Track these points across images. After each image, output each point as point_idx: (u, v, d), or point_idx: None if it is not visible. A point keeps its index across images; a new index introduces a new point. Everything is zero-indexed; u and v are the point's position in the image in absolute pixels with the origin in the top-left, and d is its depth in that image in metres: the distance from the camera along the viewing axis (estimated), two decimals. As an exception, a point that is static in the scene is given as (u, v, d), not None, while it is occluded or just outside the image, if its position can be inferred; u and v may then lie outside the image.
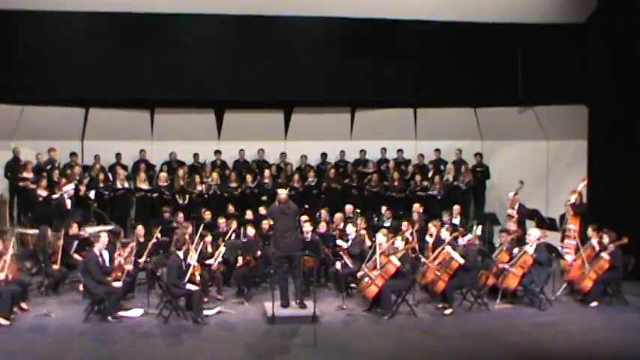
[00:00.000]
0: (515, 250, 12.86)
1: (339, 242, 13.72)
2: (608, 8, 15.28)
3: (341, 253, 13.38)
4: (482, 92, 17.98)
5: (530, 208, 15.40)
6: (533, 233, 12.88)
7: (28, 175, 16.83)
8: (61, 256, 13.39)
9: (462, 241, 12.92)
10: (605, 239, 12.97)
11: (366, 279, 12.26)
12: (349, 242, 13.49)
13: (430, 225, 14.06)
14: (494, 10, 16.66)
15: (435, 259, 12.86)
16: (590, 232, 13.30)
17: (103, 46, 17.01)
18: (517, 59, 17.60)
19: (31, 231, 15.13)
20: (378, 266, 12.23)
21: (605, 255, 12.84)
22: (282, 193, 12.36)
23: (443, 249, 12.80)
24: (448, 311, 12.36)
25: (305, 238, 12.95)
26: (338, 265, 13.31)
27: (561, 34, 16.78)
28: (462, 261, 12.39)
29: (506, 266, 12.64)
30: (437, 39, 17.49)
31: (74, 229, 14.09)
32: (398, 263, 12.14)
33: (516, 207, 14.65)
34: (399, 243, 12.51)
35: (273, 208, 12.47)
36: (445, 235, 13.09)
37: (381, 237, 12.58)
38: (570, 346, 10.66)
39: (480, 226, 14.58)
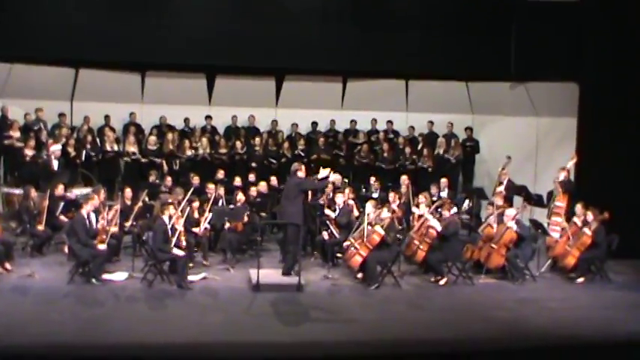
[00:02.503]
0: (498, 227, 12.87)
1: (327, 212, 13.69)
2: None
3: (328, 222, 13.37)
4: (475, 66, 17.95)
5: (519, 184, 15.40)
6: (509, 213, 12.87)
7: (15, 134, 16.67)
8: (47, 217, 13.31)
9: (447, 214, 12.89)
10: (589, 216, 13.01)
11: (352, 249, 12.28)
12: (337, 212, 13.47)
13: (420, 196, 14.00)
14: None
15: (417, 229, 12.87)
16: (578, 209, 13.31)
17: (96, 7, 16.95)
18: (511, 35, 17.53)
19: (17, 190, 15.03)
20: (365, 236, 12.24)
21: (587, 231, 12.88)
22: (294, 164, 12.82)
23: (423, 219, 12.82)
24: (442, 281, 12.42)
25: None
26: (325, 234, 13.30)
27: (556, 11, 16.70)
28: (438, 227, 12.42)
29: (494, 246, 12.63)
30: (432, 11, 17.47)
31: (60, 191, 14.01)
32: (383, 233, 12.13)
33: (505, 182, 14.62)
34: (386, 214, 12.51)
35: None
36: (423, 209, 13.16)
37: (369, 207, 12.58)
38: (553, 322, 10.67)
39: (468, 200, 14.60)
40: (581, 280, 12.81)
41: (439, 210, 12.98)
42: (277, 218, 13.00)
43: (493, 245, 12.61)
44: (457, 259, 12.69)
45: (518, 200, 15.27)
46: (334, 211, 13.56)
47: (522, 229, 12.75)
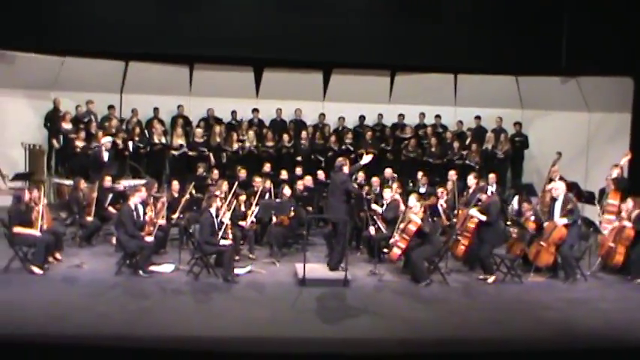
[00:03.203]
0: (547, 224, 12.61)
1: (373, 206, 13.59)
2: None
3: (375, 217, 13.27)
4: (525, 60, 17.67)
5: (569, 181, 15.13)
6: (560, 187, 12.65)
7: (67, 125, 16.95)
8: (95, 208, 13.48)
9: (483, 197, 12.64)
10: (630, 204, 12.74)
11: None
12: (384, 207, 13.37)
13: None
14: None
15: (460, 224, 12.70)
16: (627, 205, 12.99)
17: (146, 1, 17.00)
18: (562, 27, 17.22)
19: (67, 182, 15.26)
20: (402, 228, 12.13)
21: (627, 223, 12.61)
22: (338, 159, 12.60)
23: (465, 213, 12.65)
24: (491, 279, 12.21)
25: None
26: (371, 229, 13.21)
27: (609, 3, 16.34)
28: (482, 217, 12.25)
29: (543, 243, 12.40)
30: (481, 4, 17.23)
31: (108, 182, 14.13)
32: (419, 222, 12.00)
33: (557, 179, 14.36)
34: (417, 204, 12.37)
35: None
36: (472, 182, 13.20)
37: (412, 200, 12.43)
38: (604, 323, 10.39)
39: (517, 196, 14.37)
40: (638, 281, 12.48)
41: (479, 202, 12.70)
42: (324, 212, 12.95)
43: (542, 243, 12.38)
44: (497, 242, 12.51)
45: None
46: (381, 206, 13.46)
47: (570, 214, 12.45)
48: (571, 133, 18.27)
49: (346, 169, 12.35)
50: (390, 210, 13.15)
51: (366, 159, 12.58)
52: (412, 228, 12.02)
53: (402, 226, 12.18)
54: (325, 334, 9.64)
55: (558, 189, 12.60)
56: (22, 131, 16.92)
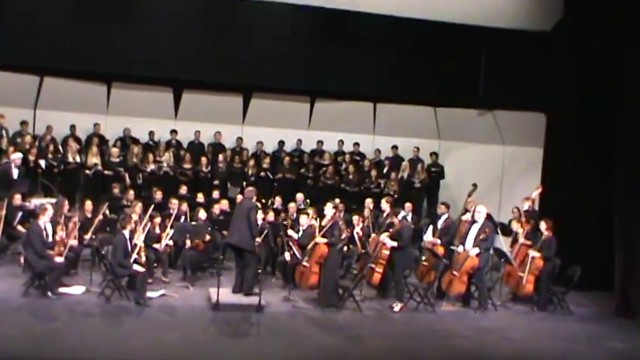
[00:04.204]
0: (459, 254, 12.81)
1: (290, 232, 13.55)
2: (574, 18, 15.37)
3: (291, 243, 13.23)
4: (443, 92, 17.98)
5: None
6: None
7: (-24, 141, 16.42)
8: (3, 227, 13.02)
9: (396, 221, 12.76)
10: (543, 226, 13.08)
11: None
12: (300, 233, 13.35)
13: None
14: (460, 11, 16.72)
15: (373, 250, 12.77)
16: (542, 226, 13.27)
17: (63, 14, 16.68)
18: (480, 62, 17.60)
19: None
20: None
21: (534, 253, 12.90)
22: (248, 188, 12.86)
23: (377, 240, 12.75)
24: (397, 307, 12.29)
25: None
26: (287, 255, 13.16)
27: (526, 40, 16.83)
28: (391, 243, 12.36)
29: (455, 273, 12.58)
30: (402, 35, 17.42)
31: (18, 200, 13.73)
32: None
33: (472, 209, 14.57)
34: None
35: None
36: (385, 206, 13.23)
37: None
38: (513, 352, 10.65)
39: (432, 226, 14.54)
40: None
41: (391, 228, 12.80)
42: (228, 235, 12.77)
43: (455, 272, 12.55)
44: (408, 265, 12.85)
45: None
46: (297, 232, 13.43)
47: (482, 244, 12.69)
48: (486, 165, 18.63)
49: (254, 201, 12.43)
50: (306, 236, 13.12)
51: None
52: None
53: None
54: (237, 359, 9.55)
55: (481, 212, 12.80)
56: None
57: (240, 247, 12.17)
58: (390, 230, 12.54)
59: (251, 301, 11.82)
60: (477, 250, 12.48)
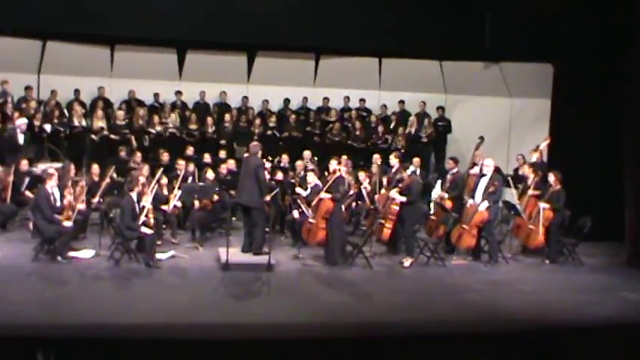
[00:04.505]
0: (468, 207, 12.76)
1: (298, 190, 13.49)
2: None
3: (299, 201, 13.18)
4: (449, 45, 17.82)
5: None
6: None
7: (-20, 107, 16.36)
8: (12, 193, 13.04)
9: (405, 175, 12.72)
10: (552, 178, 12.99)
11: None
12: (308, 191, 13.29)
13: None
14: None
15: (382, 207, 12.73)
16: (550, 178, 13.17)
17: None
18: (486, 13, 17.39)
19: (-19, 165, 14.72)
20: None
21: (543, 204, 12.82)
22: (252, 144, 12.64)
23: (386, 196, 12.70)
24: (407, 262, 12.27)
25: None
26: (295, 213, 13.12)
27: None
28: (401, 198, 12.33)
29: (465, 226, 12.53)
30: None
31: (25, 166, 13.70)
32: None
33: (479, 162, 14.47)
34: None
35: (244, 158, 12.68)
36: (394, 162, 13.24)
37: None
38: (524, 305, 10.59)
39: (440, 181, 14.48)
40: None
41: (400, 183, 12.75)
42: (237, 194, 12.73)
43: (464, 226, 12.51)
44: (417, 220, 12.81)
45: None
46: (305, 189, 13.37)
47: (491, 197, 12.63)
48: (493, 118, 18.52)
49: (259, 156, 12.38)
50: (314, 194, 13.07)
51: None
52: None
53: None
54: (248, 319, 9.53)
55: (489, 166, 12.72)
56: None
57: (248, 205, 12.14)
58: (399, 185, 12.48)
59: (260, 260, 11.81)
60: (486, 203, 12.43)
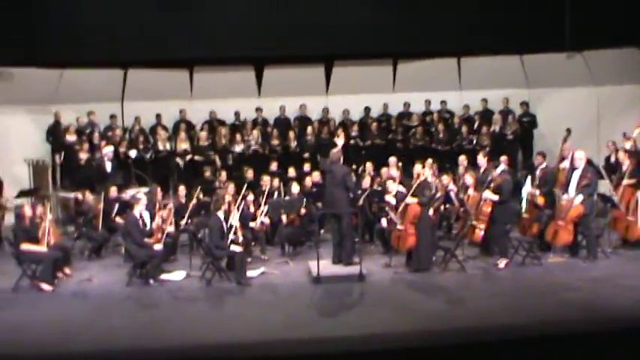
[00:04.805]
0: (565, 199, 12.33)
1: (386, 198, 13.26)
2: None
3: (387, 209, 12.96)
4: (528, 38, 17.39)
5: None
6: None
7: (71, 138, 16.77)
8: (102, 220, 13.25)
9: (495, 174, 12.43)
10: None
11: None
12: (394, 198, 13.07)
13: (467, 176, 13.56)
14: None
15: (474, 208, 12.39)
16: None
17: (139, 6, 16.81)
18: (565, 1, 16.91)
19: (72, 195, 15.05)
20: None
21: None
22: (334, 150, 12.43)
23: (478, 197, 12.36)
24: (502, 263, 11.95)
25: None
26: (384, 221, 12.92)
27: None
28: (494, 197, 11.99)
29: (560, 222, 12.11)
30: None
31: (114, 193, 13.91)
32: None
33: (568, 156, 14.01)
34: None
35: (324, 163, 12.50)
36: (469, 180, 12.76)
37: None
38: (630, 301, 10.10)
39: (530, 177, 14.08)
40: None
41: (491, 183, 12.40)
42: (325, 204, 12.62)
43: (560, 222, 12.09)
44: (510, 219, 12.33)
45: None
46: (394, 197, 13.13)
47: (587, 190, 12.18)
48: (580, 109, 17.96)
49: (342, 160, 12.34)
50: (398, 201, 12.85)
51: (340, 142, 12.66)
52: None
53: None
54: (344, 332, 9.38)
55: (581, 159, 12.30)
56: (24, 147, 16.71)
57: (337, 214, 12.00)
58: (490, 185, 12.16)
59: (352, 270, 11.68)
60: (580, 197, 11.99)
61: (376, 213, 13.42)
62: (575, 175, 12.21)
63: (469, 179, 12.79)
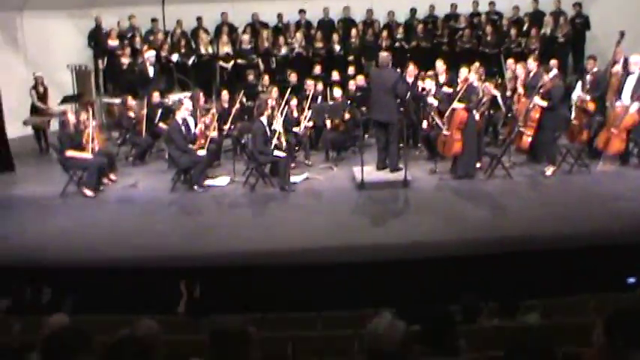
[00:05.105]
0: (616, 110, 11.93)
1: (430, 100, 13.00)
2: None
3: (432, 113, 12.71)
4: None
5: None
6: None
7: (113, 42, 16.64)
8: (146, 125, 13.21)
9: (546, 78, 11.99)
10: None
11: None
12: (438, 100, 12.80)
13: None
14: None
15: (522, 114, 12.05)
16: None
17: None
18: None
19: (116, 100, 15.04)
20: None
21: None
22: (383, 54, 12.04)
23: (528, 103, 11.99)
24: (550, 170, 11.69)
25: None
26: (424, 123, 12.67)
27: None
28: (544, 104, 11.63)
29: (614, 130, 11.74)
30: None
31: (156, 98, 13.82)
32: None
33: (621, 61, 13.54)
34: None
35: (372, 71, 11.99)
36: (532, 65, 12.41)
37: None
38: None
39: (580, 82, 13.69)
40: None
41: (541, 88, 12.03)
42: (371, 112, 12.34)
43: (613, 130, 11.72)
44: (559, 126, 11.99)
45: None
46: (438, 100, 12.86)
47: None
48: (634, 11, 17.23)
49: (391, 65, 11.95)
50: (444, 103, 12.60)
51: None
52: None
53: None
54: (387, 240, 9.34)
55: (637, 63, 11.81)
56: (67, 53, 16.55)
57: (384, 121, 11.79)
58: (541, 91, 11.80)
59: (396, 177, 11.56)
60: (637, 104, 11.54)
61: (420, 117, 13.15)
62: (630, 81, 11.76)
63: (517, 83, 12.45)
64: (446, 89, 12.72)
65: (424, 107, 12.98)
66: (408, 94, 12.26)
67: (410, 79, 13.21)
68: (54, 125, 13.87)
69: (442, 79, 13.49)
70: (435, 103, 12.73)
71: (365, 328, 3.80)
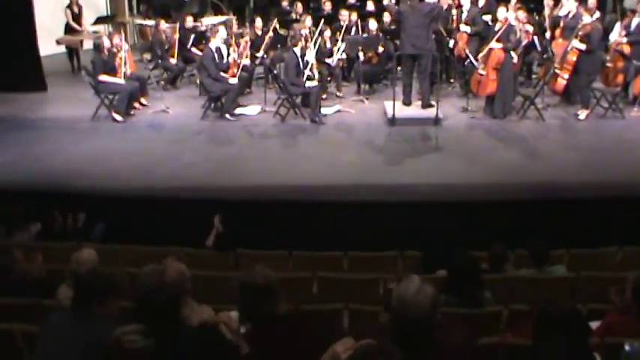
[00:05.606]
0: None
1: (462, 27, 12.76)
2: None
3: (467, 52, 12.45)
4: None
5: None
6: None
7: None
8: (178, 50, 13.13)
9: (588, 19, 11.69)
10: None
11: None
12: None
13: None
14: None
15: (561, 56, 11.80)
16: None
17: None
18: None
19: (149, 22, 14.93)
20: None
21: None
22: None
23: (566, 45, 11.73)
24: (583, 115, 11.52)
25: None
26: (451, 42, 12.51)
27: None
28: (582, 47, 11.36)
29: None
30: None
31: (190, 22, 13.71)
32: (499, 45, 11.37)
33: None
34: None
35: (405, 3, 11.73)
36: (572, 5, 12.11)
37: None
38: None
39: (619, 24, 13.33)
40: None
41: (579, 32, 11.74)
42: (404, 44, 12.08)
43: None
44: (596, 72, 11.73)
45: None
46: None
47: None
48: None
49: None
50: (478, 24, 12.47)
51: None
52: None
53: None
54: (415, 180, 9.29)
55: None
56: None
57: (419, 53, 11.50)
58: (580, 33, 11.53)
59: (428, 113, 11.45)
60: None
61: (453, 50, 12.92)
62: None
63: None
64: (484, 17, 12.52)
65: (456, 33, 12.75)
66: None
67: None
68: (86, 45, 13.86)
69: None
70: (468, 29, 12.53)
71: (388, 281, 3.80)
